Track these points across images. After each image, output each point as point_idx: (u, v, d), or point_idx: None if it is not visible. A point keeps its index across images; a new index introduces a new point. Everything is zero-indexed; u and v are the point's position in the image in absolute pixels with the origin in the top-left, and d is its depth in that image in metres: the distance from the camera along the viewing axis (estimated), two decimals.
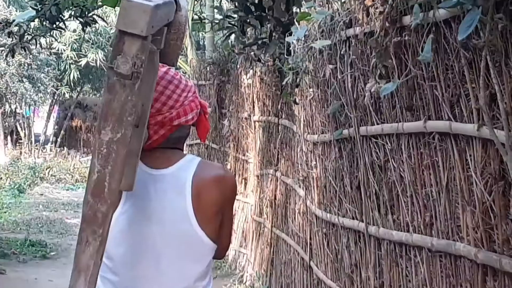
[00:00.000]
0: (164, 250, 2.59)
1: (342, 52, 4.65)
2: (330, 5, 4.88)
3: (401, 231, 3.98)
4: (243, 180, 9.55)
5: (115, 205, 2.08)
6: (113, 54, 2.07)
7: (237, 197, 9.64)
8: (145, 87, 2.15)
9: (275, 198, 7.69)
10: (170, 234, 2.58)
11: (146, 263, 2.59)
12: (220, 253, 2.78)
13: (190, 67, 13.99)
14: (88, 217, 2.04)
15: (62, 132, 30.09)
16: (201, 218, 2.59)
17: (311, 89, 5.57)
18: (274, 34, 6.65)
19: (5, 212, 16.34)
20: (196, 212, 2.59)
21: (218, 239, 2.68)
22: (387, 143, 4.12)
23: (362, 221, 4.51)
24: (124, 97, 2.06)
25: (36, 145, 28.79)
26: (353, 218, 4.73)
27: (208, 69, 11.74)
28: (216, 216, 2.64)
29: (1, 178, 21.89)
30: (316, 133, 5.61)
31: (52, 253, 11.08)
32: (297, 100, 6.21)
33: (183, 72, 23.82)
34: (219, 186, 2.63)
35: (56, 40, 24.96)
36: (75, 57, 26.31)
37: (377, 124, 4.25)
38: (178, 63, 17.44)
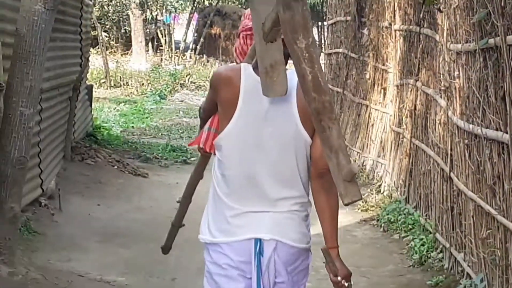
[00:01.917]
0: (275, 146, 3.07)
1: None
2: None
3: None
4: (382, 90, 9.50)
5: (329, 93, 2.42)
6: None
7: (375, 106, 9.68)
8: None
9: (415, 109, 7.63)
10: (281, 133, 3.06)
11: (260, 157, 3.08)
12: (319, 159, 3.05)
13: None
14: (320, 109, 2.38)
15: (201, 39, 30.55)
16: (304, 121, 3.03)
17: None
18: None
19: (147, 118, 16.92)
20: (300, 115, 3.03)
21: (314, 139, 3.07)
22: None
23: (507, 132, 4.43)
24: (301, 8, 2.37)
25: (176, 52, 29.37)
26: (496, 129, 4.66)
27: None
28: None
29: (143, 84, 22.59)
30: (460, 42, 5.50)
31: (192, 159, 11.39)
32: (441, 8, 6.08)
33: None
34: None
35: None
36: None
37: None
38: None
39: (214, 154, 3.23)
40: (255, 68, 3.03)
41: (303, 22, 2.36)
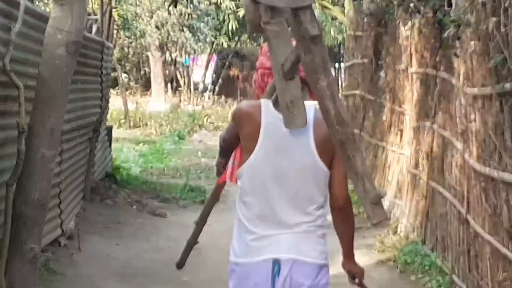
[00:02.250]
0: (294, 177, 3.33)
1: (506, 5, 4.58)
2: None
3: None
4: (398, 132, 9.54)
5: (351, 124, 2.68)
6: (296, 26, 2.64)
7: (392, 148, 9.71)
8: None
9: (431, 151, 7.66)
10: (299, 165, 3.32)
11: (279, 187, 3.34)
12: (338, 195, 3.40)
13: (347, 18, 13.97)
14: (344, 140, 2.63)
15: (219, 80, 30.74)
16: (320, 152, 3.30)
17: (472, 42, 5.51)
18: None
19: (166, 158, 16.97)
20: (317, 147, 3.30)
21: (333, 174, 3.36)
22: None
23: None
24: (320, 51, 2.61)
25: (195, 93, 29.58)
26: None
27: (365, 20, 11.70)
28: (330, 149, 3.26)
29: (162, 124, 22.71)
30: (476, 87, 5.55)
31: None
32: (457, 53, 6.14)
33: (339, 23, 23.73)
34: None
35: None
36: (233, 8, 26.76)
37: None
38: (336, 14, 17.36)
39: (236, 183, 3.53)
40: (274, 104, 3.31)
41: (323, 63, 2.61)
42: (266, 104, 3.35)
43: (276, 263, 3.32)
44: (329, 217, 3.41)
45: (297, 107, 3.05)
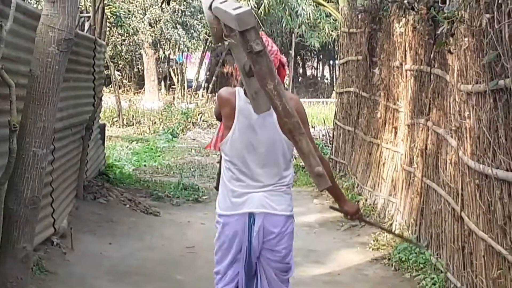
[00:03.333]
0: (263, 147, 4.33)
1: (499, 1, 4.55)
2: None
3: None
4: (393, 129, 9.53)
5: (296, 115, 3.30)
6: (244, 44, 3.25)
7: (386, 145, 9.70)
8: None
9: (426, 148, 7.65)
10: (267, 139, 4.33)
11: (252, 156, 4.35)
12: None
13: (341, 14, 13.95)
14: (291, 128, 3.28)
15: (213, 78, 30.71)
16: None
17: (466, 39, 5.49)
18: None
19: (159, 156, 16.97)
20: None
21: None
22: None
23: None
24: (265, 61, 3.25)
25: (189, 91, 29.56)
26: (507, 170, 4.68)
27: (359, 17, 11.68)
28: None
29: (155, 122, 22.69)
30: (470, 83, 5.54)
31: (204, 197, 11.43)
32: (451, 50, 6.12)
33: (333, 20, 23.69)
34: (294, 102, 4.18)
35: None
36: None
37: None
38: (330, 11, 17.34)
39: (219, 150, 4.55)
40: (245, 92, 4.22)
41: (269, 70, 3.27)
42: (239, 91, 4.38)
43: (252, 215, 4.35)
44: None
45: (260, 96, 3.64)
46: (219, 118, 4.63)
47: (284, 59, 4.56)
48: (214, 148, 4.83)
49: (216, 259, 4.51)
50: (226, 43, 3.75)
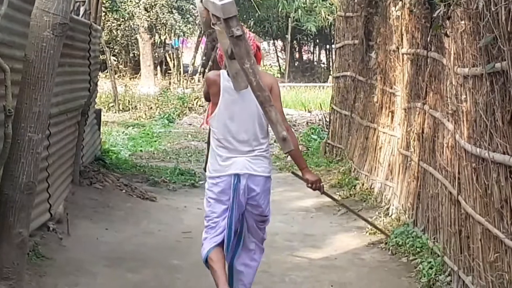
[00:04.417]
0: (244, 118, 5.29)
1: None
2: None
3: None
4: (389, 113, 9.52)
5: (267, 90, 4.37)
6: (227, 29, 4.20)
7: (383, 129, 9.69)
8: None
9: (422, 132, 7.63)
10: (247, 111, 5.27)
11: (235, 127, 5.30)
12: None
13: None
14: (263, 101, 4.26)
15: (210, 63, 30.59)
16: None
17: (462, 22, 5.46)
18: None
19: (155, 141, 16.94)
20: None
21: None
22: None
23: None
24: (244, 44, 4.17)
25: (185, 76, 29.45)
26: (504, 153, 4.66)
27: (355, 0, 11.66)
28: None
29: (152, 108, 22.64)
30: (467, 66, 5.52)
31: (200, 182, 11.37)
32: (448, 33, 6.10)
33: (329, 4, 23.65)
34: (269, 80, 5.30)
35: None
36: None
37: None
38: None
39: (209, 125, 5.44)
40: (228, 73, 4.97)
41: (246, 52, 4.19)
42: (223, 73, 5.26)
43: (237, 176, 5.27)
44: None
45: (240, 76, 4.48)
46: (207, 98, 5.52)
47: (259, 44, 5.50)
48: (206, 123, 5.50)
49: (207, 212, 5.44)
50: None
